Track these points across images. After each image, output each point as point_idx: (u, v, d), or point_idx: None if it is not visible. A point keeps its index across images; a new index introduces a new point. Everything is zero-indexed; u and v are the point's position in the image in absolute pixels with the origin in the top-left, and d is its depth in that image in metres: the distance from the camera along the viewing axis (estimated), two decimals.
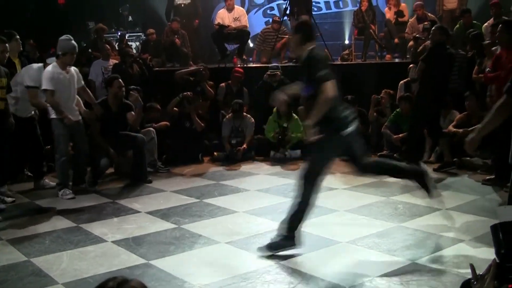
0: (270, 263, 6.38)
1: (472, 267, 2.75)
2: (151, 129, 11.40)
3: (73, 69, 9.83)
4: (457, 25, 14.92)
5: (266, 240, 6.98)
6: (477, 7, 16.43)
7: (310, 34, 6.97)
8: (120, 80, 10.55)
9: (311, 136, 6.37)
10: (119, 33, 16.96)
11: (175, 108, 12.44)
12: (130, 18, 17.77)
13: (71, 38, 9.74)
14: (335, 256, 6.61)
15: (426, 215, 7.99)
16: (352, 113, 6.79)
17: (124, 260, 6.55)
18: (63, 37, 9.71)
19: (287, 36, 16.36)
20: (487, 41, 11.60)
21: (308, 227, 7.44)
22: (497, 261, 2.69)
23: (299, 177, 6.61)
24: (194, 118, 12.22)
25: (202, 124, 12.35)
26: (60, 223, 8.14)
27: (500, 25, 9.58)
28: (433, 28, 10.71)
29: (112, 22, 17.54)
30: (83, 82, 10.14)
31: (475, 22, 14.83)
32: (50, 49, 13.33)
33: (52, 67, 9.54)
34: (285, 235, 6.64)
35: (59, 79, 9.49)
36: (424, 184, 7.10)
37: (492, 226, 2.74)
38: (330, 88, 6.26)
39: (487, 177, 9.81)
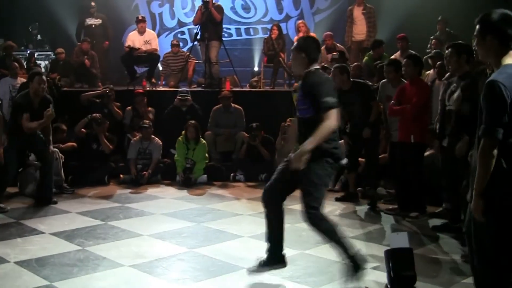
0: (173, 287, 6.41)
1: None
2: (56, 149, 11.26)
3: None
4: (366, 57, 15.23)
5: (170, 264, 7.04)
6: (385, 39, 16.82)
7: (317, 54, 6.66)
8: (42, 76, 10.40)
9: (302, 161, 6.10)
10: (28, 51, 16.73)
11: (82, 130, 12.35)
12: (39, 37, 17.52)
13: None
14: (239, 282, 6.65)
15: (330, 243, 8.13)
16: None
17: (27, 282, 6.46)
18: None
19: (195, 61, 16.45)
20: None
21: (212, 253, 7.54)
22: (388, 286, 2.82)
23: (307, 208, 6.43)
24: (103, 140, 12.17)
25: (111, 146, 12.30)
26: None
27: (405, 59, 9.85)
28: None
29: (23, 39, 17.28)
30: None
31: (385, 54, 15.17)
32: None
33: None
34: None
35: None
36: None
37: (385, 251, 2.86)
38: (335, 116, 6.09)
39: (390, 207, 10.05)
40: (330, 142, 6.24)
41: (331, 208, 10.17)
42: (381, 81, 10.70)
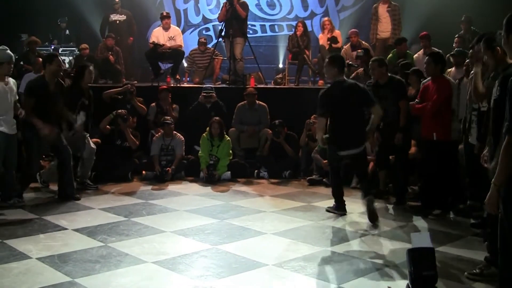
0: (196, 283, 6.37)
1: None
2: (94, 146, 11.35)
3: (11, 80, 9.69)
4: (391, 54, 15.16)
5: (193, 261, 7.01)
6: (409, 37, 16.71)
7: (344, 67, 9.61)
8: (60, 58, 10.46)
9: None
10: (52, 47, 16.77)
11: (107, 126, 12.35)
12: (67, 32, 17.57)
13: (7, 48, 9.61)
14: (261, 279, 6.61)
15: (353, 240, 8.09)
16: None
17: (49, 278, 6.45)
18: None
19: (221, 58, 16.43)
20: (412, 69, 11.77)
21: (235, 249, 7.50)
22: (409, 285, 2.78)
23: None
24: (129, 136, 12.18)
25: (137, 142, 12.31)
26: None
27: (427, 57, 9.79)
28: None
29: (47, 35, 17.33)
30: (17, 97, 9.94)
31: (408, 51, 15.08)
32: None
33: None
34: None
35: None
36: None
37: (407, 250, 2.83)
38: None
39: (414, 204, 9.97)
40: None
41: (359, 205, 10.10)
42: None
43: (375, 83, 10.44)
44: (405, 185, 10.49)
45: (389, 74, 10.40)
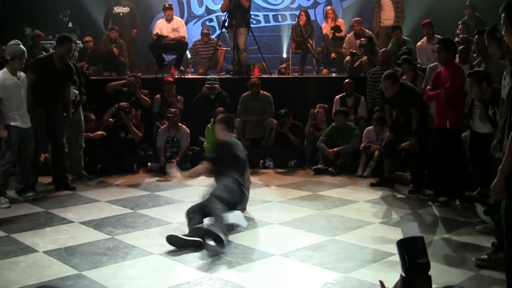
0: (203, 275, 6.38)
1: (381, 283, 2.84)
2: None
3: (23, 74, 9.71)
4: (390, 44, 15.18)
5: (199, 252, 7.02)
6: (412, 25, 16.70)
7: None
8: (72, 44, 10.56)
9: None
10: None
11: (110, 119, 12.35)
12: (70, 24, 17.54)
13: (19, 42, 9.64)
14: (268, 269, 6.63)
15: (359, 229, 8.09)
16: None
17: (56, 271, 6.47)
18: (12, 42, 9.63)
19: (224, 48, 16.41)
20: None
21: (242, 240, 7.50)
22: (403, 275, 2.78)
23: None
24: (131, 128, 12.17)
25: (140, 134, 12.31)
26: None
27: (437, 44, 9.76)
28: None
29: (50, 28, 17.30)
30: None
31: (406, 38, 15.08)
32: None
33: (1, 74, 9.40)
34: None
35: (10, 85, 9.38)
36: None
37: (398, 242, 2.82)
38: None
39: (427, 193, 9.98)
40: None
41: (365, 194, 10.13)
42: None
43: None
44: (421, 174, 10.44)
45: (400, 81, 10.36)
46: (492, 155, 6.51)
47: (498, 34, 7.32)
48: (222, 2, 15.94)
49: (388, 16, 16.46)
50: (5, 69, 9.47)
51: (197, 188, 10.72)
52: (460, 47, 10.72)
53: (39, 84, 10.13)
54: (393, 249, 6.91)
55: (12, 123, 9.42)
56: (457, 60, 10.78)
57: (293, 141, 12.75)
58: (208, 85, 13.34)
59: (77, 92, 11.19)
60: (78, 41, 16.72)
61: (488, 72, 8.47)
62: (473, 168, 9.24)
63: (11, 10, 17.20)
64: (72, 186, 10.74)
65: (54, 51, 10.52)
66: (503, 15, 4.95)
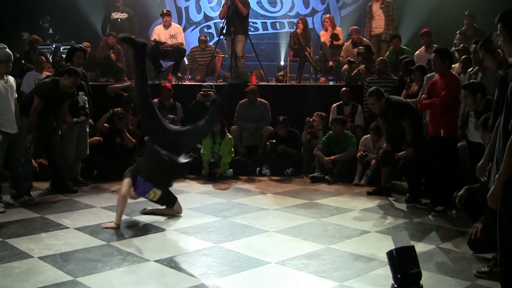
0: (198, 281, 6.36)
1: None
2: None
3: (11, 78, 9.68)
4: (388, 52, 15.21)
5: (195, 259, 7.02)
6: (410, 34, 16.73)
7: None
8: (77, 77, 10.61)
9: None
10: (54, 45, 16.74)
11: (105, 124, 12.34)
12: (50, 31, 17.50)
13: (5, 46, 9.58)
14: (264, 277, 6.61)
15: (355, 237, 8.08)
16: None
17: (50, 277, 6.44)
18: None
19: (222, 55, 16.41)
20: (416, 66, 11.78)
21: (238, 247, 7.50)
22: (395, 285, 2.78)
23: None
24: (125, 135, 12.14)
25: (134, 141, 12.28)
26: None
27: (434, 54, 9.77)
28: None
29: (47, 33, 17.32)
30: (16, 94, 9.93)
31: (404, 47, 15.10)
32: None
33: None
34: None
35: None
36: None
37: (388, 252, 2.80)
38: None
39: (426, 202, 9.98)
40: None
41: (361, 202, 10.13)
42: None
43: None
44: (419, 183, 10.44)
45: (385, 96, 10.37)
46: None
47: (492, 46, 7.34)
48: (221, 9, 15.97)
49: (378, 24, 16.59)
50: None
51: (193, 195, 10.76)
52: (463, 57, 10.77)
53: (43, 107, 10.24)
54: None
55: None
56: (459, 70, 10.82)
57: (290, 152, 12.76)
58: (202, 92, 13.32)
59: (86, 98, 11.25)
60: (65, 45, 16.60)
61: (482, 84, 8.50)
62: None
63: (9, 15, 17.22)
64: (74, 188, 10.81)
65: (58, 77, 10.53)
66: (499, 25, 4.97)
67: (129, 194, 8.65)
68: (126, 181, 8.68)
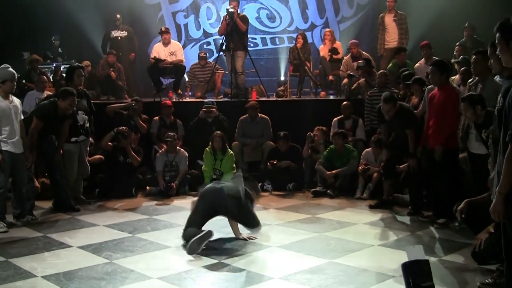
0: None
1: None
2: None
3: (16, 99, 9.73)
4: (390, 64, 15.18)
5: (198, 276, 7.01)
6: (411, 46, 16.73)
7: None
8: (75, 97, 10.57)
9: None
10: (54, 64, 16.79)
11: (109, 143, 12.35)
12: (60, 50, 17.57)
13: (9, 66, 9.64)
14: None
15: (358, 251, 8.06)
16: None
17: None
18: (1, 66, 9.59)
19: (222, 71, 16.43)
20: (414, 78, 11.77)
21: (241, 263, 7.47)
22: None
23: None
24: (130, 153, 12.18)
25: (139, 159, 12.31)
26: None
27: (431, 66, 9.77)
28: None
29: (47, 53, 17.34)
30: (22, 116, 9.97)
31: (408, 61, 15.08)
32: None
33: None
34: None
35: (1, 108, 9.37)
36: None
37: (402, 265, 2.82)
38: None
39: (428, 214, 9.97)
40: None
41: (364, 216, 10.13)
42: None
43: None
44: (421, 196, 10.44)
45: (398, 103, 10.37)
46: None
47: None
48: (220, 25, 16.00)
49: (392, 38, 16.48)
50: None
51: None
52: (462, 68, 10.78)
53: (43, 127, 10.31)
54: (393, 271, 6.94)
55: (3, 148, 9.40)
56: (459, 82, 10.82)
57: (291, 167, 12.76)
58: (205, 109, 13.36)
59: (86, 117, 11.29)
60: (65, 64, 16.61)
61: (482, 96, 8.50)
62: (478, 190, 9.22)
63: (9, 35, 17.29)
64: (76, 207, 10.84)
65: (56, 99, 10.55)
66: (498, 34, 4.99)
67: None
68: None
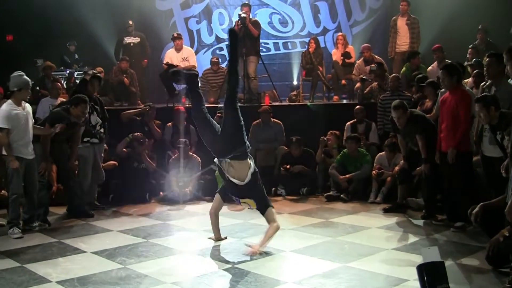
0: None
1: None
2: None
3: (27, 105, 9.79)
4: (404, 68, 15.15)
5: (212, 281, 7.00)
6: (424, 50, 16.68)
7: None
8: (87, 104, 10.65)
9: None
10: (68, 71, 16.84)
11: (124, 149, 12.39)
12: (76, 56, 17.64)
13: (23, 73, 9.69)
14: None
15: (372, 255, 8.04)
16: None
17: None
18: (15, 73, 9.63)
19: None
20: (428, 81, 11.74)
21: (254, 268, 7.46)
22: None
23: None
24: (145, 159, 12.23)
25: (154, 165, 12.35)
26: (4, 263, 7.98)
27: (441, 70, 9.71)
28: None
29: (61, 59, 17.40)
30: (33, 120, 10.03)
31: (421, 65, 15.03)
32: None
33: (7, 105, 9.45)
34: None
35: (16, 116, 9.41)
36: None
37: (418, 266, 2.82)
38: None
39: (440, 218, 9.94)
40: None
41: (378, 220, 10.11)
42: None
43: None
44: (435, 199, 10.40)
45: (409, 110, 10.36)
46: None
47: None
48: None
49: (403, 41, 16.45)
50: (10, 101, 9.53)
51: (209, 217, 10.71)
52: (475, 71, 10.74)
53: (54, 135, 10.33)
54: (407, 275, 6.92)
55: (16, 154, 9.46)
56: (471, 84, 10.79)
57: (305, 171, 12.75)
58: (219, 114, 13.36)
59: (98, 119, 11.36)
60: (78, 71, 16.66)
61: (496, 96, 8.46)
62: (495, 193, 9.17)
63: (23, 42, 17.35)
64: (90, 213, 10.91)
65: (68, 106, 10.61)
66: (505, 57, 5.00)
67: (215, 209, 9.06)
68: (216, 197, 9.07)
